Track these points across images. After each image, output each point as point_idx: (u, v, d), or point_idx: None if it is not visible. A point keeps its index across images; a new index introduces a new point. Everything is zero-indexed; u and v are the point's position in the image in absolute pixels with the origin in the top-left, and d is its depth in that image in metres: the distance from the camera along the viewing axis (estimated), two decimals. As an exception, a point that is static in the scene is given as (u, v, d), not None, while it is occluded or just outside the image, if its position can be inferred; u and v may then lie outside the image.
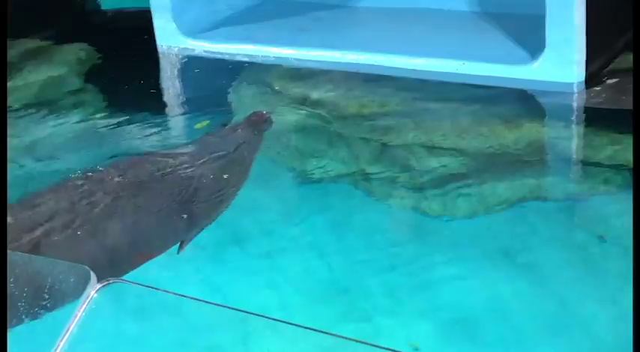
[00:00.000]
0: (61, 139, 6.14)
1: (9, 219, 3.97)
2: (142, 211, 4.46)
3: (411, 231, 4.86)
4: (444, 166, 5.47)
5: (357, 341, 3.49)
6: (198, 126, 6.29)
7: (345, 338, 3.44)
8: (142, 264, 4.24)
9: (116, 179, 4.50)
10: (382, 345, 3.27)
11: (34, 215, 4.22)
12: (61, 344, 3.19)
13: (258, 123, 5.25)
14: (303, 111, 6.47)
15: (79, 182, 4.47)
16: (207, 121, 6.36)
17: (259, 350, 3.61)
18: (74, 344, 3.23)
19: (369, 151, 5.76)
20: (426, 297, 4.16)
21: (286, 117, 6.40)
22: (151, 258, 4.31)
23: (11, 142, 5.84)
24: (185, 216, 4.51)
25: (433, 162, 5.53)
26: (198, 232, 4.60)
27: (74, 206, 4.28)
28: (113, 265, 4.18)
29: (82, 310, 3.35)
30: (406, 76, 6.95)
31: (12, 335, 3.21)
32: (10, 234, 3.85)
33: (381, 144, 5.85)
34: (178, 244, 4.49)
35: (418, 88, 6.76)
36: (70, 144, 6.03)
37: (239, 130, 5.20)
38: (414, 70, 6.95)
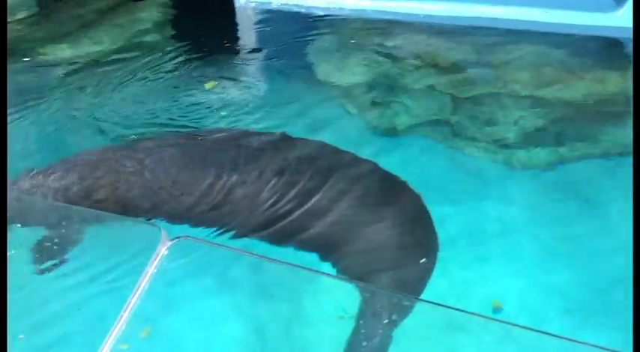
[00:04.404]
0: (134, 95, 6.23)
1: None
2: None
3: (491, 182, 4.76)
4: (525, 118, 5.32)
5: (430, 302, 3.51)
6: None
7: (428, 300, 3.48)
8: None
9: None
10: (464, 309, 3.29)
11: None
12: (134, 299, 3.28)
13: None
14: (380, 63, 6.39)
15: None
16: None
17: (327, 306, 3.61)
18: (146, 299, 3.32)
19: (447, 103, 5.66)
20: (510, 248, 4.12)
21: (362, 69, 6.32)
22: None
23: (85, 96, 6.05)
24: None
25: (513, 114, 5.40)
26: None
27: None
28: None
29: (153, 266, 3.44)
30: (486, 26, 6.76)
31: (84, 292, 3.36)
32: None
33: (460, 95, 5.75)
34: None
35: (498, 38, 6.58)
36: (144, 98, 6.13)
37: None
38: (494, 19, 6.76)
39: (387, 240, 4.13)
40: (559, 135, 5.11)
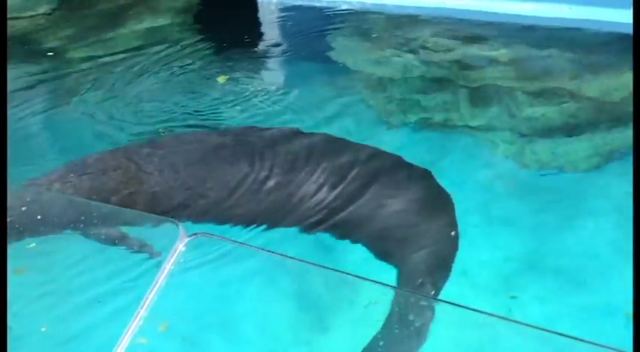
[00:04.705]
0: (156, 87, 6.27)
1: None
2: None
3: (513, 182, 4.72)
4: (547, 115, 5.28)
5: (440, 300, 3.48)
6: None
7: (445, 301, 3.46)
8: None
9: None
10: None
11: None
12: (151, 295, 3.29)
13: None
14: (402, 58, 6.35)
15: None
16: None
17: (343, 302, 3.61)
18: (163, 295, 3.33)
19: (471, 98, 5.61)
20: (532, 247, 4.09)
21: (385, 64, 6.29)
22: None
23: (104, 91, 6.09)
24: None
25: (537, 110, 5.36)
26: None
27: None
28: None
29: (170, 263, 3.45)
30: (511, 22, 6.72)
31: (103, 287, 3.38)
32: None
33: (484, 91, 5.70)
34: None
35: (523, 34, 6.53)
36: (161, 92, 6.14)
37: None
38: (518, 15, 6.71)
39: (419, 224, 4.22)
40: (580, 134, 5.05)
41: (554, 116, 5.26)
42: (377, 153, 4.86)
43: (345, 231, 4.16)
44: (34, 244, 3.99)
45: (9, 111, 5.69)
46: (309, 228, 4.18)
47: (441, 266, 3.95)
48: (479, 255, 4.02)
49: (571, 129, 5.09)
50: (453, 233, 4.12)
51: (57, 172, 4.54)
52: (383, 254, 4.04)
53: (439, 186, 4.49)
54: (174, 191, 4.32)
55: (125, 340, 3.31)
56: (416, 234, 4.18)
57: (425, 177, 4.61)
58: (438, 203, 4.41)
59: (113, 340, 3.33)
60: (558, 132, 5.08)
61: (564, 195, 4.50)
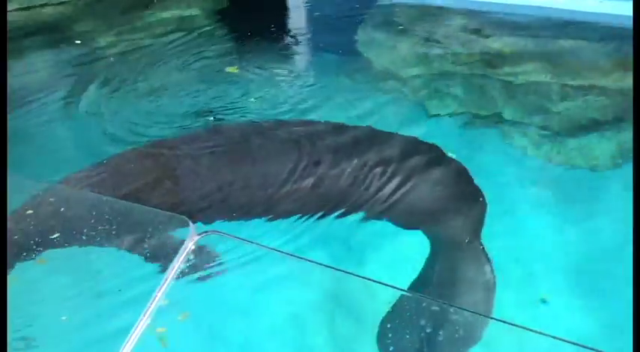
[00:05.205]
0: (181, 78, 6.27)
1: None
2: None
3: (542, 176, 4.65)
4: (580, 109, 5.22)
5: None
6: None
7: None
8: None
9: None
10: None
11: None
12: (159, 294, 3.31)
13: None
14: (430, 51, 6.29)
15: None
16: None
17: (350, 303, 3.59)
18: (172, 293, 3.35)
19: (502, 92, 5.54)
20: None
21: (411, 56, 6.23)
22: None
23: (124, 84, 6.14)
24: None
25: (568, 105, 5.29)
26: None
27: None
28: None
29: (180, 260, 3.46)
30: (543, 15, 6.63)
31: (114, 284, 3.40)
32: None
33: (515, 85, 5.63)
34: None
35: (554, 28, 6.43)
36: (187, 82, 6.13)
37: None
38: (550, 8, 6.61)
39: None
40: (613, 129, 4.97)
41: (583, 111, 5.20)
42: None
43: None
44: (57, 234, 4.03)
45: (34, 102, 5.75)
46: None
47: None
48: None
49: (599, 125, 5.05)
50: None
51: (87, 170, 4.58)
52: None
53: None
54: (204, 187, 4.35)
55: (135, 333, 3.33)
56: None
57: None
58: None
59: (124, 333, 3.35)
60: (586, 127, 5.03)
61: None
